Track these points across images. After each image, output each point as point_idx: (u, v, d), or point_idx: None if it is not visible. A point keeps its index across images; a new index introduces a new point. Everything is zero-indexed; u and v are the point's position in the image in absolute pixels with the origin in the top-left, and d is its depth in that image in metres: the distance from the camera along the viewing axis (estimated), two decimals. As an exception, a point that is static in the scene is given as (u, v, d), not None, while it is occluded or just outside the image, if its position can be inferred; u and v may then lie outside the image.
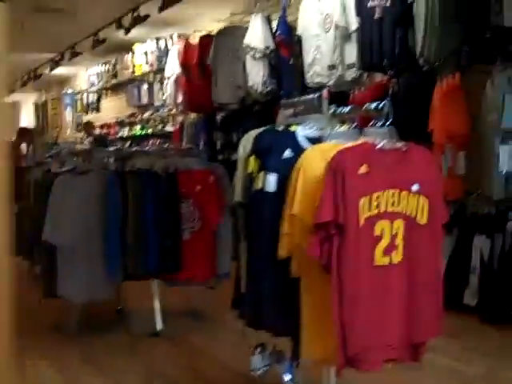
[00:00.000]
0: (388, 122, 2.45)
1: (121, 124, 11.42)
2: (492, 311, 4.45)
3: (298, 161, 2.51)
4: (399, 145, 2.47)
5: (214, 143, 7.85)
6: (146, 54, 9.81)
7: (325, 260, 2.33)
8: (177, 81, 8.37)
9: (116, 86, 11.48)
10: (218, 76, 7.31)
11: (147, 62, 9.83)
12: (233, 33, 7.14)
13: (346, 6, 5.62)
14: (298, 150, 2.63)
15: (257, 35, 6.55)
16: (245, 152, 2.87)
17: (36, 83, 14.10)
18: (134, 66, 10.34)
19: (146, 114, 10.38)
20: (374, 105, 2.55)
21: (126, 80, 10.83)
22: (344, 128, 2.80)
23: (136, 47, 10.07)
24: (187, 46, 8.00)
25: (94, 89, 12.31)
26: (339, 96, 5.78)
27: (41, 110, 16.65)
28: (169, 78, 8.48)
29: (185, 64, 7.96)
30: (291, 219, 2.46)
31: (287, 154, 2.69)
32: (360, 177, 2.36)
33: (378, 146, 2.42)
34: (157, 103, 9.88)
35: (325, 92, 2.79)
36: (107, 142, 10.24)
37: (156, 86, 9.88)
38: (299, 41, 6.04)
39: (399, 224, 2.44)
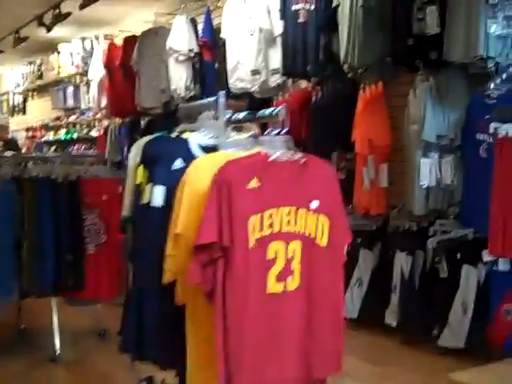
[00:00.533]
0: (284, 131, 2.18)
1: (46, 128, 10.92)
2: (412, 332, 4.25)
3: (185, 172, 2.22)
4: (296, 156, 2.20)
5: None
6: (71, 54, 9.38)
7: (208, 287, 2.05)
8: (101, 83, 7.99)
9: (42, 87, 10.98)
10: (142, 79, 6.97)
11: (73, 63, 9.40)
12: (158, 34, 6.81)
13: (270, 8, 5.38)
14: (190, 160, 2.33)
15: (180, 37, 6.25)
16: (135, 161, 2.57)
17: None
18: (59, 66, 9.88)
19: (72, 118, 9.93)
20: (268, 111, 2.28)
21: (51, 81, 10.36)
22: (243, 136, 2.53)
23: (61, 47, 9.63)
24: (111, 47, 7.63)
25: (19, 90, 11.76)
26: (263, 103, 5.56)
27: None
28: (92, 80, 8.08)
29: (108, 66, 7.58)
30: (176, 239, 2.16)
31: (178, 164, 2.38)
32: (250, 192, 2.07)
33: (272, 158, 2.15)
34: (83, 106, 9.45)
35: (221, 95, 2.50)
36: (18, 146, 9.75)
37: (82, 89, 9.45)
38: (224, 44, 5.78)
39: (296, 246, 2.17)
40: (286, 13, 5.18)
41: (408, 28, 4.09)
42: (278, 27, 5.32)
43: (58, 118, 10.45)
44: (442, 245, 4.07)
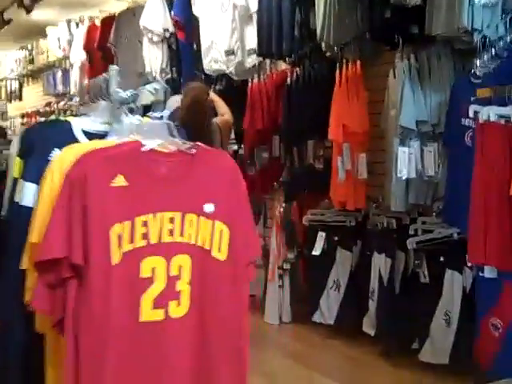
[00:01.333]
0: (167, 114, 1.70)
1: (39, 114, 10.50)
2: (390, 345, 3.75)
3: (48, 166, 1.76)
4: (183, 146, 1.72)
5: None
6: (58, 38, 8.93)
7: (57, 316, 1.58)
8: (82, 67, 7.56)
9: (34, 72, 10.57)
10: (119, 61, 6.49)
11: (60, 47, 8.95)
12: (135, 14, 6.30)
13: (245, -19, 4.88)
14: (70, 150, 1.87)
15: (154, 16, 5.76)
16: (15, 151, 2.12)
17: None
18: (47, 51, 9.45)
19: (62, 103, 9.50)
20: (148, 87, 1.80)
21: (42, 67, 9.93)
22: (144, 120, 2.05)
23: (49, 30, 9.19)
24: (91, 29, 7.21)
25: (13, 75, 11.37)
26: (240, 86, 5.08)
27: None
28: (74, 64, 7.65)
29: (87, 48, 7.15)
30: (32, 250, 1.70)
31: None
32: (113, 192, 1.60)
33: (145, 148, 1.67)
34: (72, 92, 9.01)
35: (112, 69, 2.03)
36: (5, 134, 9.37)
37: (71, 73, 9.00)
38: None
39: (183, 261, 1.69)
40: (258, -15, 4.67)
41: (385, -1, 3.56)
42: (255, 3, 4.81)
43: (48, 104, 10.04)
44: (423, 246, 3.56)
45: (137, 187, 1.65)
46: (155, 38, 5.80)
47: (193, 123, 4.21)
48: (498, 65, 3.15)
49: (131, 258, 1.61)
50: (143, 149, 1.68)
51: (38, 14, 8.86)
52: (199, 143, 1.78)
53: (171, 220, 1.66)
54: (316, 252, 4.22)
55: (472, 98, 3.13)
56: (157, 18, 5.74)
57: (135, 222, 1.62)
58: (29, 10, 7.72)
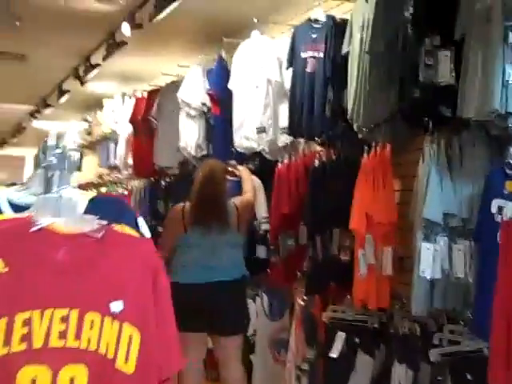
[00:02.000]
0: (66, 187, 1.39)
1: (93, 185, 10.52)
2: None
3: None
4: (89, 227, 1.39)
5: (157, 212, 6.81)
6: (113, 110, 8.96)
7: None
8: (128, 140, 7.48)
9: (92, 143, 10.66)
10: (160, 135, 6.37)
11: (114, 119, 8.97)
12: (179, 87, 6.20)
13: (283, 59, 4.63)
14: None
15: (192, 89, 5.60)
16: None
17: (25, 137, 13.50)
18: (103, 123, 9.50)
19: (112, 176, 9.47)
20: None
21: (98, 139, 9.99)
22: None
23: (105, 103, 9.27)
24: (138, 102, 7.12)
25: (74, 146, 11.51)
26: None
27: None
28: (120, 136, 7.60)
29: (132, 121, 7.06)
30: None
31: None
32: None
33: (35, 228, 1.35)
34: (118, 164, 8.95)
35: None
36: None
37: (122, 146, 8.97)
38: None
39: (77, 372, 1.33)
40: (294, 61, 4.41)
41: (415, 76, 3.21)
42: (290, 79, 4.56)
43: (100, 176, 10.04)
44: (448, 360, 3.05)
45: (20, 275, 1.33)
46: (192, 112, 5.63)
47: (205, 199, 3.94)
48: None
49: (4, 365, 1.27)
50: (33, 228, 1.36)
51: (97, 86, 8.99)
52: (115, 225, 1.45)
53: (64, 319, 1.32)
54: (333, 354, 3.75)
55: (505, 192, 2.71)
56: (195, 91, 5.57)
57: (14, 319, 1.28)
58: (83, 82, 7.75)
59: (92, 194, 1.90)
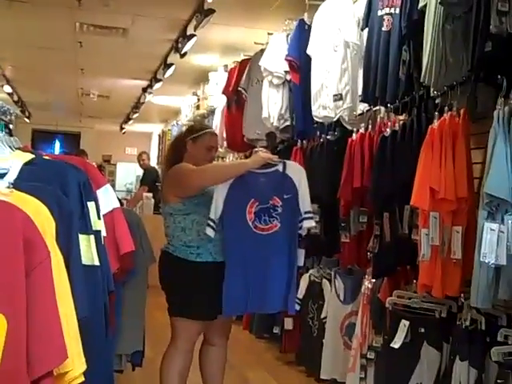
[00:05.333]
0: None
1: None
2: None
3: None
4: None
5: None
6: (216, 83, 8.83)
7: None
8: (222, 112, 7.32)
9: (201, 117, 10.62)
10: (248, 106, 6.13)
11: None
12: (267, 56, 5.91)
13: (360, 17, 4.22)
14: None
15: (275, 56, 5.29)
16: None
17: (145, 113, 13.80)
18: (209, 96, 9.41)
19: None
20: None
21: (205, 112, 9.93)
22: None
23: (210, 76, 9.16)
24: (230, 73, 6.92)
25: (186, 121, 11.56)
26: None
27: (161, 141, 16.34)
28: (216, 108, 7.46)
29: (225, 92, 6.86)
30: None
31: None
32: None
33: None
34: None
35: None
36: (157, 176, 9.50)
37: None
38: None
39: None
40: (370, 20, 3.99)
41: (487, 27, 2.73)
42: (370, 41, 4.14)
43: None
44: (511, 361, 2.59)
45: None
46: (275, 81, 5.32)
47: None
48: None
49: None
50: None
51: (201, 59, 8.92)
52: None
53: None
54: (395, 345, 3.36)
55: None
56: (278, 59, 5.25)
57: None
58: (181, 54, 7.66)
59: (29, 156, 1.69)
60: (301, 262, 3.34)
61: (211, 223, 3.25)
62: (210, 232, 3.25)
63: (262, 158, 3.35)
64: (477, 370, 2.84)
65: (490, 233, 2.61)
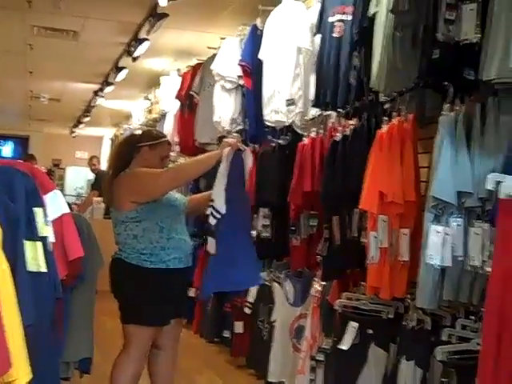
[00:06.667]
0: None
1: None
2: None
3: None
4: None
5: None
6: (169, 88, 8.79)
7: None
8: (176, 117, 7.31)
9: (153, 121, 10.57)
10: (200, 110, 6.14)
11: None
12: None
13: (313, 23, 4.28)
14: None
15: (227, 61, 5.32)
16: None
17: (96, 117, 13.65)
18: (161, 100, 9.37)
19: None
20: None
21: (158, 116, 9.88)
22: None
23: (162, 80, 9.13)
24: (183, 77, 6.93)
25: (138, 125, 11.48)
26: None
27: (113, 145, 16.15)
28: (168, 112, 7.44)
29: (178, 97, 6.86)
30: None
31: None
32: None
33: None
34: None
35: None
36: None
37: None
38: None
39: None
40: (322, 26, 4.05)
41: (434, 35, 2.80)
42: (321, 47, 4.19)
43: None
44: (455, 359, 2.66)
45: None
46: (227, 85, 5.35)
47: None
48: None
49: None
50: None
51: (153, 63, 8.87)
52: None
53: None
54: (344, 346, 3.41)
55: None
56: (230, 64, 5.28)
57: None
58: (134, 58, 7.62)
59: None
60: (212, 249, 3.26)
61: (215, 212, 3.21)
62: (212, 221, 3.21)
63: (230, 144, 3.35)
64: (422, 369, 2.90)
65: (435, 235, 2.68)
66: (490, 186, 2.12)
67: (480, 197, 2.66)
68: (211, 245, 3.20)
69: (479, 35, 2.69)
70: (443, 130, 2.74)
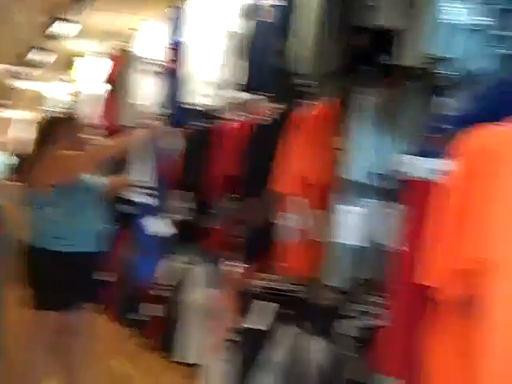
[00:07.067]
0: None
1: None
2: None
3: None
4: None
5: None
6: (90, 70, 8.64)
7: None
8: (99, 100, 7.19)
9: (74, 103, 10.33)
10: (125, 94, 6.06)
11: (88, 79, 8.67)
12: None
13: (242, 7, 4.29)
14: None
15: (149, 44, 5.27)
16: None
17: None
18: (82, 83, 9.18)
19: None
20: None
21: (79, 99, 9.66)
22: None
23: (84, 62, 8.95)
24: (109, 60, 6.82)
25: (58, 108, 11.21)
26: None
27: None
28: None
29: (104, 80, 6.76)
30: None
31: None
32: None
33: None
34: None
35: None
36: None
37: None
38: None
39: None
40: (251, 10, 4.07)
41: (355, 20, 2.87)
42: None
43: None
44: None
45: None
46: (152, 69, 5.30)
47: None
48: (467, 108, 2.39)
49: None
50: None
51: (75, 45, 8.66)
52: None
53: None
54: (257, 326, 3.45)
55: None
56: (155, 46, 5.24)
57: None
58: (55, 40, 7.42)
59: None
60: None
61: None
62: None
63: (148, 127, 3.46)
64: (331, 344, 2.97)
65: (348, 215, 2.74)
66: (399, 166, 2.19)
67: (391, 177, 2.74)
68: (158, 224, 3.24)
69: (398, 22, 2.77)
70: (358, 112, 2.81)
